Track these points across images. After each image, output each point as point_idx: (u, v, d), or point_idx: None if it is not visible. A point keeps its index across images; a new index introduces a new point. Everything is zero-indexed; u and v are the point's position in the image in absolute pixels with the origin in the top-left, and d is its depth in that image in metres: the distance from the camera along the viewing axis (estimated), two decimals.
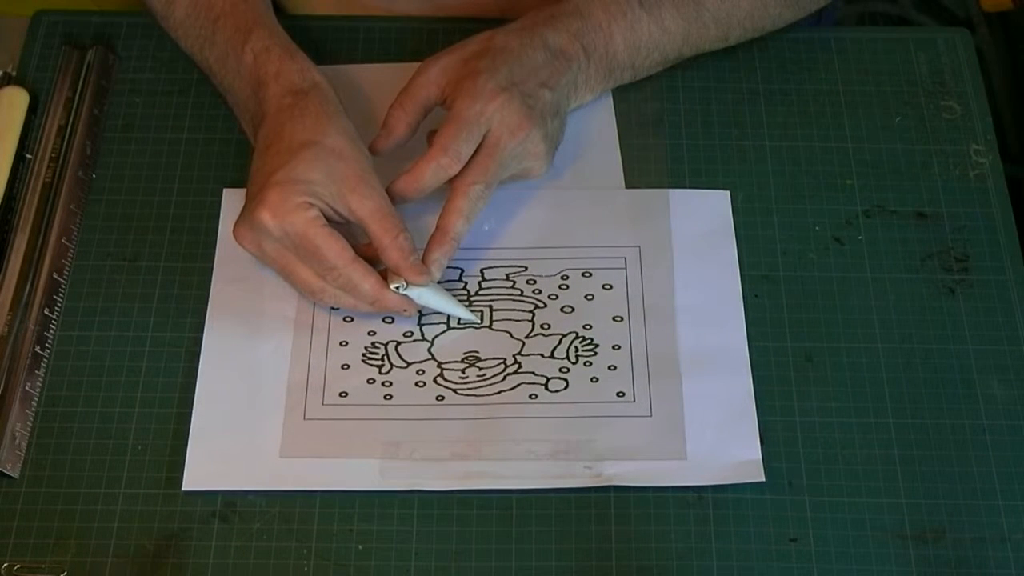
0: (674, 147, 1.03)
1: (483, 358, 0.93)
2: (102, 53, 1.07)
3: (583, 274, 0.97)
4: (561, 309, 0.95)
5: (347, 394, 0.92)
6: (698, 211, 1.00)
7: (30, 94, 1.05)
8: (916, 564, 0.86)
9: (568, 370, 0.93)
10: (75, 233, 0.99)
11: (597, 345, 0.94)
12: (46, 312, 0.94)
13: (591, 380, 0.92)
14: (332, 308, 0.94)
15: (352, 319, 0.94)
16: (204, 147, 1.03)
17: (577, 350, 0.93)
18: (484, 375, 0.92)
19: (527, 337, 0.94)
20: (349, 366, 0.93)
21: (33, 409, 0.91)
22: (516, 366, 0.93)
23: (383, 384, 0.92)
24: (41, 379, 0.92)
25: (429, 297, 0.93)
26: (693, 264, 0.97)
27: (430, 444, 0.89)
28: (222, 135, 1.04)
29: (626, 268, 0.97)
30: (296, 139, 0.92)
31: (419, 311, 0.94)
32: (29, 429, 0.90)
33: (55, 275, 0.96)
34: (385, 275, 0.92)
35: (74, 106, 1.04)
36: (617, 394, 0.91)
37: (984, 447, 0.90)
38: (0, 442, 0.89)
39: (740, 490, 0.88)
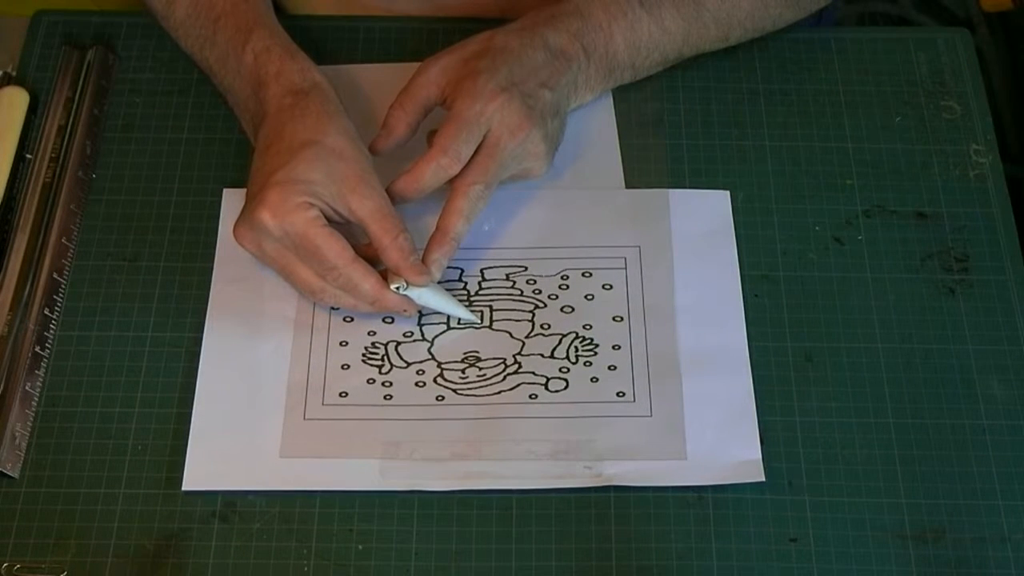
0: (674, 147, 1.03)
1: (483, 358, 0.93)
2: (102, 53, 1.07)
3: (583, 274, 0.97)
4: (561, 309, 0.95)
5: (347, 394, 0.92)
6: (698, 211, 1.00)
7: (30, 94, 1.05)
8: (916, 564, 0.86)
9: (568, 370, 0.93)
10: (75, 233, 0.99)
11: (597, 345, 0.94)
12: (46, 312, 0.94)
13: (591, 380, 0.92)
14: (332, 308, 0.95)
15: (352, 319, 0.95)
16: (204, 147, 1.03)
17: (577, 350, 0.93)
18: (484, 375, 0.92)
19: (527, 337, 0.94)
20: (349, 366, 0.93)
21: (33, 409, 0.91)
22: (516, 366, 0.93)
23: (383, 384, 0.92)
24: (41, 379, 0.92)
25: (429, 297, 0.93)
26: (693, 264, 0.97)
27: (430, 444, 0.89)
28: (222, 135, 1.04)
29: (626, 268, 0.97)
30: (296, 139, 0.92)
31: (419, 311, 0.94)
32: (29, 429, 0.90)
33: (55, 275, 0.96)
34: (385, 275, 0.92)
35: (74, 106, 1.04)
36: (617, 394, 0.91)
37: (984, 447, 0.90)
38: (0, 442, 0.89)
39: (740, 490, 0.88)
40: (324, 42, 1.08)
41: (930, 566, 0.86)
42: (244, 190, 0.94)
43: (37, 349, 0.93)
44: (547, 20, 0.99)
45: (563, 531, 0.87)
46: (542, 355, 0.93)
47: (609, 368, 0.93)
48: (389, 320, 0.95)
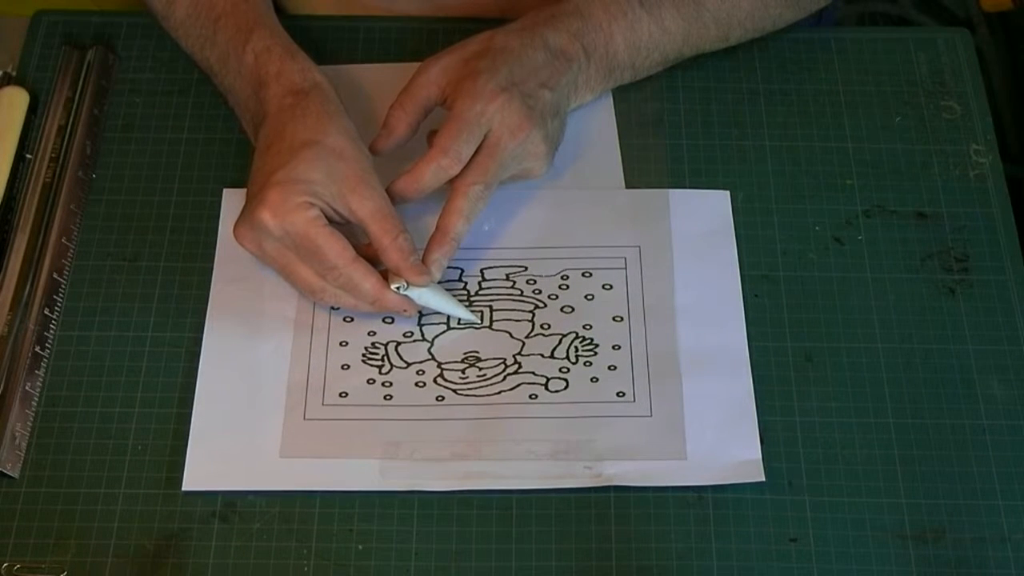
0: (674, 147, 1.03)
1: (483, 358, 0.93)
2: (102, 53, 1.07)
3: (583, 274, 0.97)
4: (561, 309, 0.95)
5: (347, 394, 0.92)
6: (698, 211, 1.00)
7: (30, 94, 1.05)
8: (916, 564, 0.86)
9: (568, 370, 0.93)
10: (75, 233, 0.99)
11: (597, 345, 0.94)
12: (46, 312, 0.94)
13: (591, 380, 0.92)
14: (332, 308, 0.95)
15: (352, 319, 0.95)
16: (204, 147, 1.03)
17: (577, 350, 0.93)
18: (484, 375, 0.92)
19: (527, 337, 0.94)
20: (349, 366, 0.93)
21: (33, 409, 0.91)
22: (516, 366, 0.93)
23: (383, 384, 0.92)
24: (41, 379, 0.92)
25: (429, 297, 0.93)
26: (693, 264, 0.97)
27: (430, 444, 0.89)
28: (222, 135, 1.04)
29: (626, 268, 0.97)
30: (297, 139, 0.92)
31: (419, 311, 0.94)
32: (29, 429, 0.90)
33: (55, 275, 0.96)
34: (385, 275, 0.92)
35: (74, 106, 1.04)
36: (617, 394, 0.91)
37: (984, 447, 0.90)
38: (0, 442, 0.89)
39: (740, 490, 0.88)
40: (324, 42, 1.08)
41: (930, 566, 0.86)
42: (244, 190, 0.94)
43: (37, 349, 0.93)
44: (547, 20, 0.99)
45: (563, 531, 0.87)
46: (542, 355, 0.93)
47: (609, 368, 0.93)
48: (389, 320, 0.95)
